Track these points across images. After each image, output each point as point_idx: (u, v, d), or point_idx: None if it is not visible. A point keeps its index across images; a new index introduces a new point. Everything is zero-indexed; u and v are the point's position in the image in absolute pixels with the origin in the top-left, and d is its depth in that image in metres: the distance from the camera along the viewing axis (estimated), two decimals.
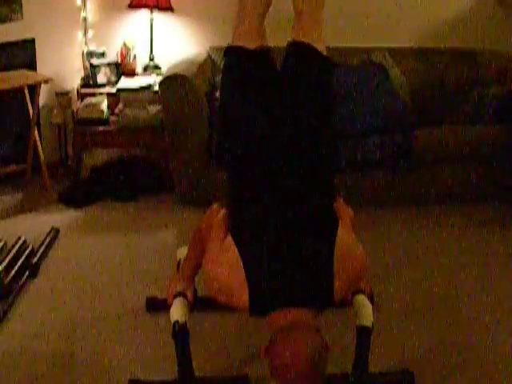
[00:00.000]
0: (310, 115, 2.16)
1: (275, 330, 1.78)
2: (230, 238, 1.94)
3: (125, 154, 4.13)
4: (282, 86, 2.23)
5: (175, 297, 2.12)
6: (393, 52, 4.24)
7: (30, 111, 3.81)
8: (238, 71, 2.32)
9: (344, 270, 1.89)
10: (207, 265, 1.95)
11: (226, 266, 1.89)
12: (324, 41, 2.34)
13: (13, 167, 4.02)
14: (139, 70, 4.31)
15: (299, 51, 2.35)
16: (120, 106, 4.02)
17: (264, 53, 2.36)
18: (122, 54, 4.28)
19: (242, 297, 1.86)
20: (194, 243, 2.20)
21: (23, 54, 3.94)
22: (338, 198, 2.20)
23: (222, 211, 2.10)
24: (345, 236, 1.95)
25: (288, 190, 2.04)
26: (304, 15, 2.41)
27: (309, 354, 1.68)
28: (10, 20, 3.80)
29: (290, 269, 1.87)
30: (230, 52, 2.38)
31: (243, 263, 1.87)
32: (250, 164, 2.12)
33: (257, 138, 2.12)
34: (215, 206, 2.16)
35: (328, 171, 2.21)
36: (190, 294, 2.15)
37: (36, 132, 3.87)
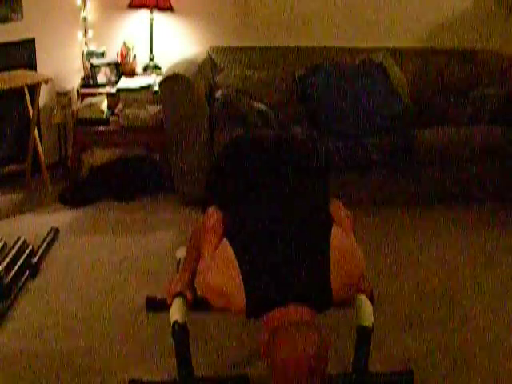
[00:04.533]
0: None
1: (274, 328, 1.77)
2: (225, 241, 1.95)
3: (125, 154, 4.12)
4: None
5: (175, 297, 2.12)
6: (393, 52, 4.24)
7: (30, 111, 3.81)
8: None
9: (341, 269, 1.90)
10: (202, 273, 1.95)
11: (222, 269, 1.89)
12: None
13: (13, 167, 4.02)
14: (139, 70, 4.31)
15: None
16: (120, 105, 4.02)
17: None
18: (122, 54, 4.28)
19: (238, 299, 1.87)
20: (193, 244, 2.20)
21: (23, 54, 3.94)
22: (336, 201, 2.20)
23: (217, 214, 2.10)
24: (340, 236, 1.96)
25: (281, 194, 2.08)
26: None
27: (309, 352, 1.68)
28: (10, 20, 3.80)
29: (287, 270, 1.88)
30: None
31: (239, 265, 1.88)
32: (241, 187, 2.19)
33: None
34: (211, 209, 2.16)
35: (320, 176, 2.25)
36: (189, 294, 2.14)
37: (36, 132, 3.87)
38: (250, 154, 2.31)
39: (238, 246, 1.92)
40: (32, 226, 3.46)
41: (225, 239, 1.96)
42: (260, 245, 1.92)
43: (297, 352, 1.68)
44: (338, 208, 2.17)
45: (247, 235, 1.96)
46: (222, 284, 1.88)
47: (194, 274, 2.22)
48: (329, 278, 1.89)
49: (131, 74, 4.25)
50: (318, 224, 2.00)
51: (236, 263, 1.88)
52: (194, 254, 2.18)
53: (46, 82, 3.75)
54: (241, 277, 1.86)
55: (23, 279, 2.88)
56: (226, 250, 1.92)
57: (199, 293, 2.01)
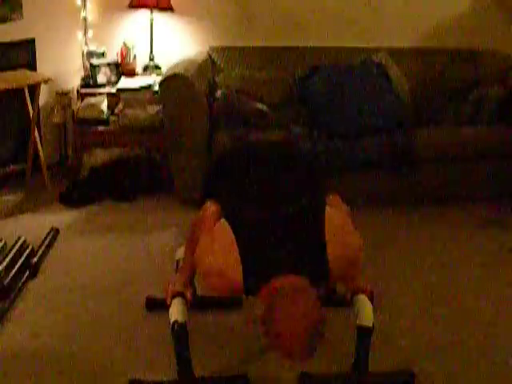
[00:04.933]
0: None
1: (270, 297, 1.79)
2: (223, 220, 2.00)
3: (125, 154, 4.13)
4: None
5: (174, 297, 2.12)
6: (393, 52, 4.24)
7: (30, 111, 3.81)
8: None
9: (337, 240, 1.94)
10: (201, 256, 1.98)
11: (220, 246, 1.93)
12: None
13: (13, 167, 4.03)
14: (139, 70, 4.31)
15: None
16: (120, 105, 4.02)
17: None
18: (122, 53, 4.28)
19: (236, 276, 1.89)
20: (191, 243, 2.20)
21: (23, 54, 3.94)
22: (335, 195, 2.25)
23: (214, 206, 2.14)
24: (334, 213, 2.01)
25: (276, 187, 2.14)
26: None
27: (307, 316, 1.71)
28: (10, 20, 3.80)
29: (283, 242, 1.92)
30: None
31: (236, 240, 1.92)
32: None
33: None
34: (208, 202, 2.19)
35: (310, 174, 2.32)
36: (188, 294, 2.15)
37: (36, 132, 3.87)
38: (246, 163, 2.33)
39: (235, 223, 1.97)
40: (32, 226, 3.46)
41: (222, 219, 2.01)
42: (256, 221, 1.98)
43: (294, 316, 1.71)
44: (335, 199, 2.22)
45: (244, 215, 2.02)
46: (221, 261, 1.91)
47: (193, 274, 2.23)
48: (324, 247, 1.92)
49: (131, 74, 4.25)
50: (313, 204, 2.05)
51: (233, 238, 1.92)
52: (193, 251, 2.18)
53: (46, 81, 3.76)
54: (238, 252, 1.90)
55: (23, 279, 2.88)
56: (224, 227, 1.97)
57: (198, 271, 2.03)
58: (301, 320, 1.71)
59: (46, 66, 4.05)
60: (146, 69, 4.28)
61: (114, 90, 4.10)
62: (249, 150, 2.53)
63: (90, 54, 4.22)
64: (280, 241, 1.93)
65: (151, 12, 4.18)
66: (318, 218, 1.98)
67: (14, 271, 2.87)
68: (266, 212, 2.01)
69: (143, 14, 4.23)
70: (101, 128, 3.97)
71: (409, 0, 4.36)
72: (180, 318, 2.05)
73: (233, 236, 1.94)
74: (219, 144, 3.59)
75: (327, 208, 2.03)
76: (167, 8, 4.19)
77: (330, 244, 1.93)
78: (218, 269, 1.92)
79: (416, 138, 3.70)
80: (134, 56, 4.29)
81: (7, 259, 2.92)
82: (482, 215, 3.73)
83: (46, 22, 4.02)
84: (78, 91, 4.20)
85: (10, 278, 2.82)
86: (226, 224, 1.98)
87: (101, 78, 4.17)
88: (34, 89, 3.75)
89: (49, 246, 3.20)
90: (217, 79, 4.05)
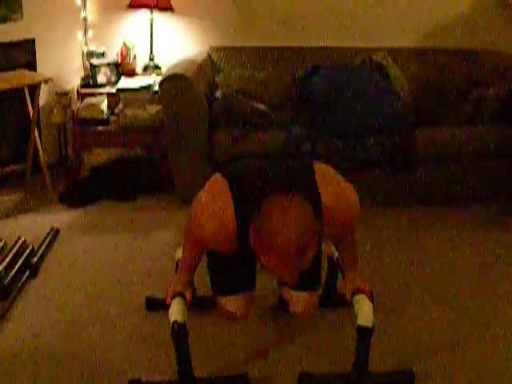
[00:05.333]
0: None
1: (264, 208, 1.78)
2: (218, 174, 2.06)
3: (125, 154, 4.13)
4: None
5: (174, 297, 2.12)
6: (393, 52, 4.24)
7: (30, 111, 3.81)
8: None
9: (329, 182, 2.00)
10: (193, 206, 2.03)
11: (212, 192, 1.98)
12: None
13: (13, 167, 4.03)
14: (139, 70, 4.31)
15: None
16: (120, 105, 4.02)
17: None
18: (122, 53, 4.28)
19: (228, 215, 1.90)
20: (188, 240, 2.20)
21: (23, 53, 3.94)
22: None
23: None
24: (326, 167, 2.08)
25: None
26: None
27: (299, 226, 1.71)
28: (10, 20, 3.80)
29: (275, 181, 1.95)
30: None
31: (230, 190, 1.94)
32: None
33: None
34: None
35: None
36: (188, 294, 2.15)
37: (36, 132, 3.87)
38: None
39: (229, 177, 2.01)
40: (32, 225, 3.46)
41: (217, 173, 2.06)
42: (250, 173, 2.03)
43: (287, 220, 1.70)
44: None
45: (239, 170, 2.08)
46: (213, 203, 1.94)
47: (193, 272, 2.23)
48: (315, 184, 1.96)
49: (131, 74, 4.25)
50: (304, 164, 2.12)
51: (226, 185, 1.97)
52: (191, 251, 2.18)
53: (46, 81, 3.75)
54: (231, 195, 1.92)
55: (23, 279, 2.88)
56: (217, 178, 2.03)
57: (196, 233, 2.03)
58: (294, 224, 1.71)
59: (46, 66, 4.05)
60: (145, 69, 4.28)
61: (113, 90, 4.10)
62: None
63: (90, 54, 4.23)
64: (272, 181, 1.95)
65: (151, 12, 4.18)
66: (309, 166, 2.04)
67: (14, 271, 2.88)
68: (259, 163, 2.09)
69: (143, 14, 4.23)
70: (101, 128, 3.97)
71: (409, 0, 4.36)
72: (180, 318, 2.05)
73: (226, 183, 1.98)
74: (219, 144, 3.59)
75: (315, 163, 2.08)
76: (167, 8, 4.19)
77: (322, 185, 1.97)
78: (211, 211, 1.94)
79: (416, 138, 3.70)
80: (134, 56, 4.29)
81: (7, 259, 2.93)
82: (482, 215, 3.73)
83: (46, 22, 4.02)
84: (78, 91, 4.20)
85: (9, 277, 2.82)
86: (219, 175, 2.04)
87: (101, 78, 4.17)
88: (34, 89, 3.75)
89: (49, 246, 3.20)
90: (217, 79, 4.05)
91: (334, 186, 2.02)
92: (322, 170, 2.06)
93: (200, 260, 2.23)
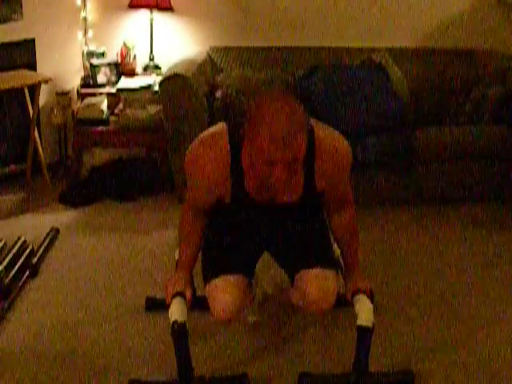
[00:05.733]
0: None
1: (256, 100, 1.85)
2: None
3: (125, 154, 4.13)
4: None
5: (174, 296, 2.12)
6: (393, 52, 4.24)
7: (30, 111, 3.81)
8: None
9: (323, 128, 2.04)
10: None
11: (210, 133, 2.03)
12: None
13: (13, 167, 4.03)
14: (139, 70, 4.31)
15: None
16: (120, 105, 4.02)
17: None
18: (122, 54, 4.28)
19: (225, 172, 1.94)
20: (183, 235, 2.20)
21: (23, 53, 3.94)
22: None
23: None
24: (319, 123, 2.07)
25: None
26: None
27: (290, 111, 1.77)
28: (10, 20, 3.80)
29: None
30: None
31: (227, 126, 1.99)
32: None
33: None
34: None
35: None
36: (188, 294, 2.14)
37: (36, 132, 3.87)
38: None
39: (231, 129, 2.01)
40: (32, 225, 3.46)
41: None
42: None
43: (275, 110, 1.75)
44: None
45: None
46: (211, 159, 1.96)
47: (191, 271, 2.22)
48: (312, 126, 1.97)
49: (131, 74, 4.25)
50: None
51: (223, 124, 2.01)
52: (189, 248, 2.18)
53: (46, 81, 3.76)
54: (230, 159, 1.95)
55: (23, 279, 2.88)
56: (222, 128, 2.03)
57: (191, 168, 2.05)
58: (281, 109, 1.76)
59: (46, 66, 4.05)
60: (145, 69, 4.28)
61: (113, 90, 4.10)
62: None
63: (90, 54, 4.22)
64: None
65: (151, 12, 4.18)
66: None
67: (13, 271, 2.88)
68: None
69: (143, 14, 4.23)
70: (101, 128, 3.97)
71: (409, 0, 4.36)
72: (180, 318, 2.05)
73: (224, 123, 2.02)
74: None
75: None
76: (167, 8, 4.19)
77: (316, 124, 2.01)
78: (205, 140, 2.00)
79: (416, 138, 3.70)
80: (134, 56, 4.29)
81: (7, 259, 2.92)
82: (482, 215, 3.73)
83: (45, 22, 4.02)
84: (77, 91, 4.20)
85: (9, 278, 2.82)
86: (224, 130, 2.03)
87: (101, 78, 4.17)
88: (34, 89, 3.75)
89: (49, 246, 3.20)
90: (217, 79, 4.05)
91: (328, 128, 2.08)
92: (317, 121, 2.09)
93: (198, 252, 2.22)
